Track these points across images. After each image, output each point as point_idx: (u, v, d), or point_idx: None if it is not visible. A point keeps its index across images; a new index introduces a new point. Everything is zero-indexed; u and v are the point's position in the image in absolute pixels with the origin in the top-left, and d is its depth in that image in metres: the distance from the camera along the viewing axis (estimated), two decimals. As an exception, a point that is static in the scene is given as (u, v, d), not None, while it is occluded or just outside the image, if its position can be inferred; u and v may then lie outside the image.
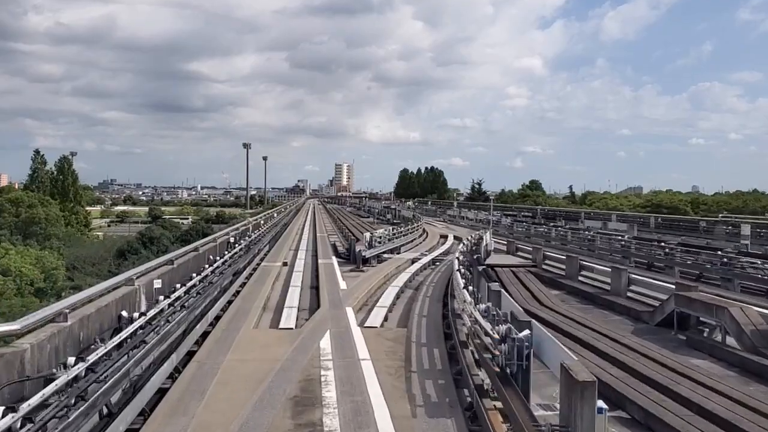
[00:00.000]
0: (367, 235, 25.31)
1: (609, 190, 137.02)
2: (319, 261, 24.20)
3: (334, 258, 25.58)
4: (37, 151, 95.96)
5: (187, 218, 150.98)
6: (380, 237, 25.51)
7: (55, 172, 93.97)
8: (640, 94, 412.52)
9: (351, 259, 25.24)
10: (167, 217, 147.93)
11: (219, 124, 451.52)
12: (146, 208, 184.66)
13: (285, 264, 23.86)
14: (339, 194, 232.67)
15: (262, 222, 31.13)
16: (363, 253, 23.03)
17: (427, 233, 38.80)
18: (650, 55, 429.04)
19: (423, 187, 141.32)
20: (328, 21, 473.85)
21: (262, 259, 24.97)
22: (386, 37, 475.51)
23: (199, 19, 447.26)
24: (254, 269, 21.97)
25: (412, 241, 32.34)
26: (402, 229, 30.05)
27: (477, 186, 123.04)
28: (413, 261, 25.14)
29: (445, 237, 39.31)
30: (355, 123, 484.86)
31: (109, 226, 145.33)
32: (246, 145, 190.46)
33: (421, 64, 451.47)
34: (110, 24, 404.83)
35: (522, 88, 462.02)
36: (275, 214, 41.37)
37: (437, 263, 24.74)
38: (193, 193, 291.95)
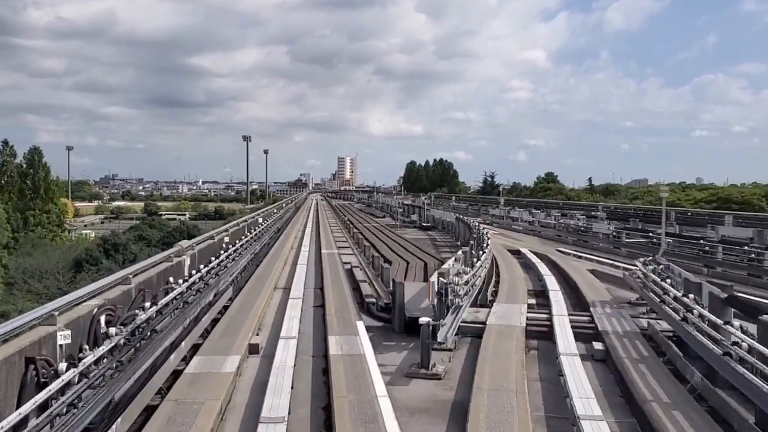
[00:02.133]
0: (437, 280, 11.54)
1: (618, 182, 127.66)
2: (331, 342, 10.72)
3: (359, 325, 12.09)
4: (5, 142, 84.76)
5: (185, 214, 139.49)
6: (459, 284, 11.83)
7: (25, 166, 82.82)
8: (643, 86, 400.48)
9: (395, 323, 11.98)
10: (163, 213, 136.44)
11: (221, 118, 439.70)
12: (143, 204, 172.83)
13: (253, 350, 10.47)
14: (342, 188, 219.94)
15: (223, 245, 17.55)
16: (436, 332, 9.57)
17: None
18: (653, 48, 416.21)
19: (431, 180, 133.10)
20: (329, 14, 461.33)
21: (210, 330, 11.54)
22: (388, 31, 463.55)
23: (200, 13, 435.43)
24: (172, 382, 8.67)
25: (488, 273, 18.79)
26: (481, 256, 16.22)
27: (489, 179, 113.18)
28: (528, 332, 11.72)
29: (517, 254, 25.79)
30: (357, 117, 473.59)
31: (102, 223, 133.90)
32: (246, 138, 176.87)
33: (423, 57, 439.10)
34: (111, 18, 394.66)
35: (525, 81, 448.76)
36: (260, 219, 27.72)
37: (594, 349, 11.29)
38: (194, 188, 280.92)
